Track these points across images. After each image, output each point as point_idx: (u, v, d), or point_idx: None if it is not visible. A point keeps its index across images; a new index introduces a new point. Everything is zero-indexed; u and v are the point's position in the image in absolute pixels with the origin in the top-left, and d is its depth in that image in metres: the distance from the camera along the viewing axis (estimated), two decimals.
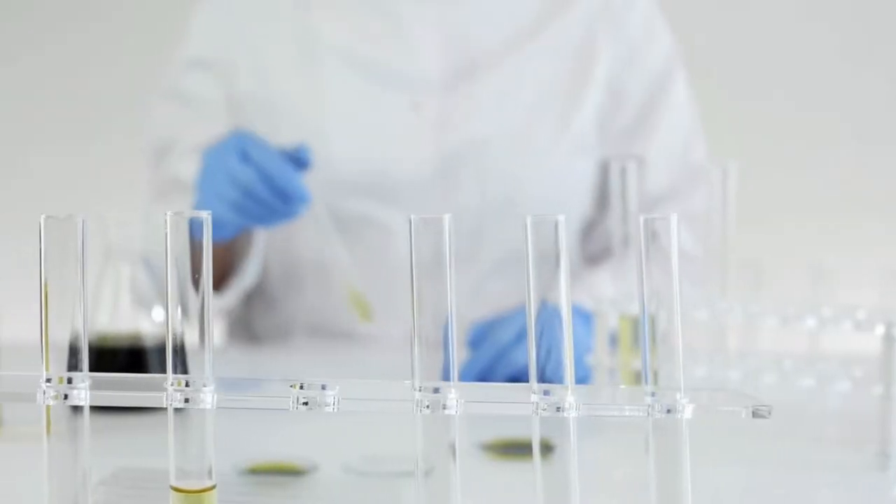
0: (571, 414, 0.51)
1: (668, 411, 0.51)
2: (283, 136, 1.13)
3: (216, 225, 1.07)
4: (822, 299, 0.78)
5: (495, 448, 0.79)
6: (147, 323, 0.87)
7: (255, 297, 1.23)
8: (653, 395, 0.51)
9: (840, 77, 2.30)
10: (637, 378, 0.84)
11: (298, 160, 1.05)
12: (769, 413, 0.52)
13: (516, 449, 0.79)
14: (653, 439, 0.52)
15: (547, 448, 0.79)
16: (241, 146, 1.04)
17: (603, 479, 0.69)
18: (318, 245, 1.14)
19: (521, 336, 0.91)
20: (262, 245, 1.16)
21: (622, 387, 0.76)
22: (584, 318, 0.88)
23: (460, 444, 0.51)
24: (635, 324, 0.84)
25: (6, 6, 2.56)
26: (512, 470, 0.75)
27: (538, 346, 0.93)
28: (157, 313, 0.88)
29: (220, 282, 1.14)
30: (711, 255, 0.80)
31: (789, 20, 2.31)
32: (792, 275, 0.81)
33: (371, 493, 0.70)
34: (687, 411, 0.51)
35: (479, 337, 0.95)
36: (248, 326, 1.25)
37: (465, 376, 0.94)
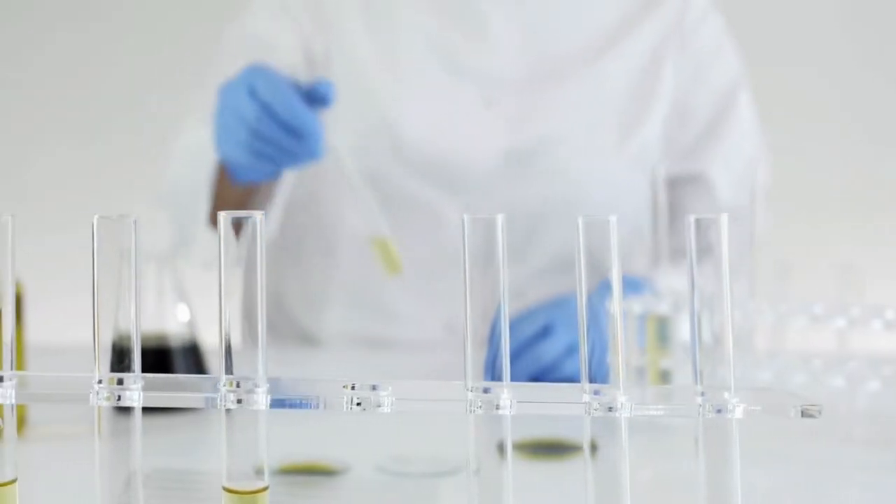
0: (623, 414, 0.50)
1: (719, 411, 0.51)
2: (359, 114, 1.13)
3: (236, 167, 1.04)
4: (850, 298, 0.78)
5: (523, 449, 0.79)
6: (172, 323, 0.87)
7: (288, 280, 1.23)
8: (702, 394, 0.51)
9: (867, 75, 2.31)
10: (663, 377, 0.85)
11: (315, 96, 0.99)
12: (819, 413, 0.52)
13: (544, 449, 0.79)
14: (702, 439, 0.52)
15: (575, 449, 0.80)
16: (250, 81, 0.98)
17: (631, 480, 0.69)
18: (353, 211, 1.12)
19: (545, 332, 0.91)
20: (284, 196, 1.13)
21: (667, 386, 0.76)
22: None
23: (509, 444, 0.51)
24: (662, 323, 0.84)
25: (6, 6, 2.55)
26: (541, 470, 0.75)
27: (573, 345, 0.93)
28: (182, 313, 0.88)
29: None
30: (740, 255, 0.80)
31: (813, 16, 2.31)
32: (819, 274, 0.81)
33: (408, 494, 0.70)
34: (737, 412, 0.51)
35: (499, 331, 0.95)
36: (273, 326, 1.25)
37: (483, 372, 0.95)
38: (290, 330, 1.25)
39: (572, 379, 0.91)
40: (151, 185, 2.47)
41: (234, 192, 1.11)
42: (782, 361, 0.79)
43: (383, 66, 1.19)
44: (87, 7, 2.55)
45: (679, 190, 1.19)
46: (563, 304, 0.94)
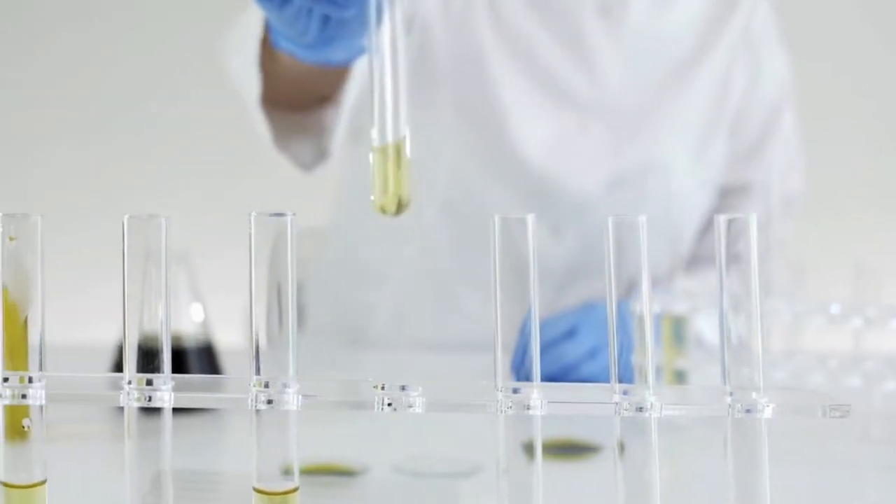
0: (654, 414, 0.50)
1: (748, 411, 0.51)
2: (464, 133, 1.11)
3: (271, 26, 0.81)
4: (866, 298, 0.78)
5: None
6: (186, 323, 0.87)
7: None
8: (731, 394, 0.51)
9: (884, 73, 2.31)
10: (679, 377, 0.85)
11: None
12: (848, 412, 0.52)
13: (558, 450, 0.79)
14: (730, 440, 0.52)
15: (591, 449, 0.80)
16: None
17: (651, 479, 0.69)
18: None
19: (569, 334, 0.91)
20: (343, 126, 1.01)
21: (687, 386, 0.76)
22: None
23: (539, 444, 0.51)
24: (678, 323, 0.84)
25: (6, 6, 2.54)
26: (557, 471, 0.75)
27: (595, 348, 0.93)
28: (197, 313, 0.87)
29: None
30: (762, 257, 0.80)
31: (831, 14, 2.31)
32: (836, 274, 0.81)
33: (427, 495, 0.70)
34: (767, 411, 0.51)
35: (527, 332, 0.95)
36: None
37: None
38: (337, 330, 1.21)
39: (591, 380, 0.92)
40: (151, 186, 2.47)
41: (282, 71, 0.93)
42: (799, 361, 0.79)
43: (502, 81, 1.15)
44: (87, 7, 2.55)
45: (730, 199, 1.18)
46: (589, 308, 0.95)
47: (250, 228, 0.48)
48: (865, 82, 2.32)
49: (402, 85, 0.64)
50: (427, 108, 1.10)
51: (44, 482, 0.49)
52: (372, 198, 0.62)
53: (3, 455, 0.49)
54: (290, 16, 0.71)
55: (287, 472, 0.50)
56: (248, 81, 0.95)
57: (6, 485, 0.49)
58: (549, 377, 0.91)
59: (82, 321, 1.33)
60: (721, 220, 0.51)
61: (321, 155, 1.04)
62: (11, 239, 0.47)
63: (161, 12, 2.54)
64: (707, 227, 1.19)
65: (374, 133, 0.63)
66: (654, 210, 1.14)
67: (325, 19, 0.71)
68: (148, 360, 0.51)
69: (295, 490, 0.50)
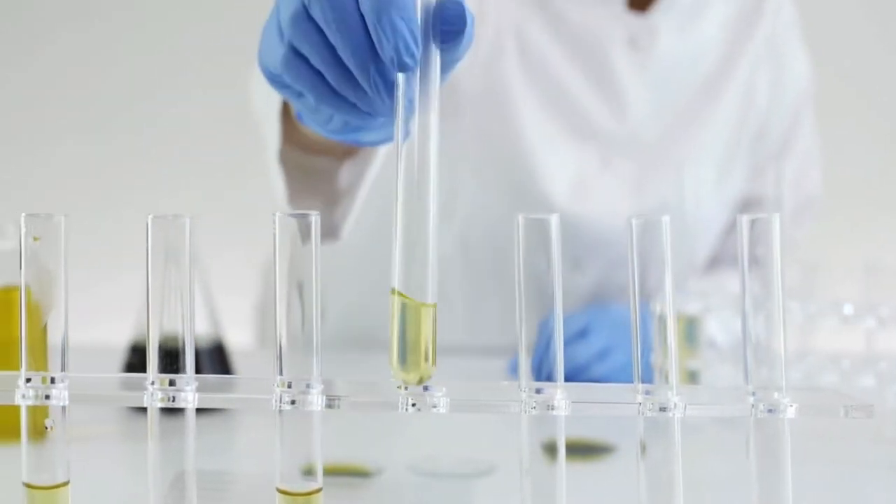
0: (677, 414, 0.50)
1: (770, 411, 0.51)
2: (486, 165, 1.09)
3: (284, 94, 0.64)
4: (879, 299, 0.78)
5: (549, 449, 0.79)
6: (198, 323, 0.86)
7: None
8: (754, 394, 0.51)
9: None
10: (691, 377, 0.85)
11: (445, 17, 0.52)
12: (871, 413, 0.52)
13: (571, 450, 0.79)
14: (753, 439, 0.52)
15: (604, 449, 0.80)
16: None
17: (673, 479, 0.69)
18: None
19: (581, 334, 0.91)
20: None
21: (713, 386, 0.76)
22: (651, 317, 0.88)
23: (562, 444, 0.51)
24: (690, 323, 0.84)
25: (7, 6, 2.54)
26: (573, 470, 0.75)
27: (605, 349, 0.93)
28: (208, 313, 0.87)
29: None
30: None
31: (843, 15, 2.31)
32: (848, 274, 0.81)
33: (442, 495, 0.70)
34: (790, 411, 0.51)
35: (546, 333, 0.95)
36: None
37: (514, 370, 0.95)
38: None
39: (602, 381, 0.91)
40: (151, 186, 2.47)
41: (301, 135, 0.83)
42: (812, 362, 0.79)
43: (526, 114, 1.13)
44: (87, 7, 2.55)
45: (752, 208, 1.18)
46: (601, 309, 0.95)
47: (274, 228, 0.48)
48: (878, 83, 2.32)
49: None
50: (448, 139, 1.08)
51: (66, 483, 0.49)
52: (391, 366, 0.50)
53: (25, 456, 0.48)
54: (308, 107, 0.60)
55: (308, 472, 0.50)
56: (269, 129, 0.87)
57: (29, 486, 0.48)
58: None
59: (83, 322, 1.33)
60: (744, 220, 0.51)
61: (331, 231, 0.91)
62: (35, 239, 0.47)
63: (161, 12, 2.54)
64: (723, 230, 1.19)
65: (400, 277, 0.50)
66: (674, 225, 1.13)
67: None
68: (168, 360, 0.51)
69: (318, 491, 0.49)
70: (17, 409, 0.61)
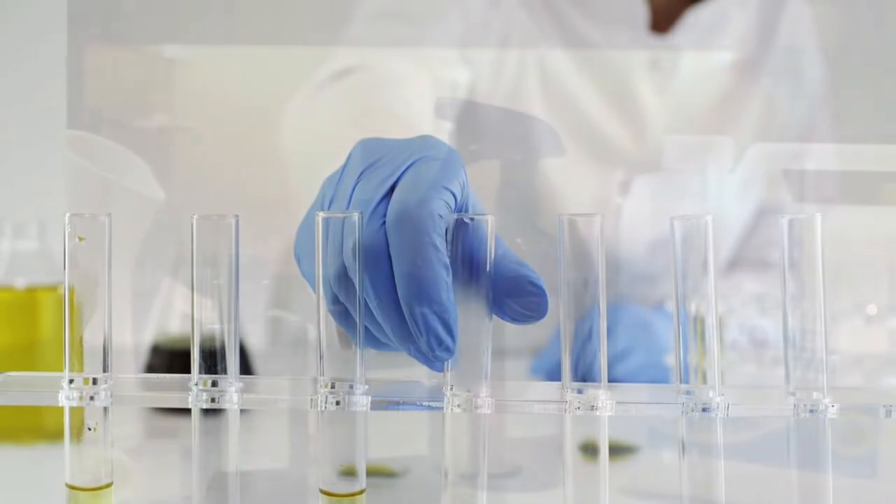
0: (718, 414, 0.50)
1: (812, 411, 0.51)
2: (503, 187, 1.09)
3: None
4: None
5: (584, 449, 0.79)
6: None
7: None
8: (794, 394, 0.52)
9: None
10: (703, 378, 0.84)
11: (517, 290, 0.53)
12: None
13: (592, 450, 0.79)
14: (794, 440, 0.52)
15: (628, 450, 0.80)
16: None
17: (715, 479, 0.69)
18: None
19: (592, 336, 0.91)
20: None
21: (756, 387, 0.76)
22: (669, 317, 0.89)
23: (605, 445, 0.51)
24: (703, 324, 0.84)
25: (7, 6, 2.53)
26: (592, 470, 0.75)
27: (618, 352, 0.93)
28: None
29: None
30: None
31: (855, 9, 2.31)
32: (872, 274, 0.81)
33: (469, 496, 0.69)
34: (831, 411, 0.51)
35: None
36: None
37: (536, 371, 0.95)
38: None
39: (621, 381, 0.91)
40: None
41: None
42: (835, 362, 0.79)
43: (545, 137, 1.13)
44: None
45: (768, 214, 1.18)
46: (620, 309, 0.95)
47: (317, 229, 0.48)
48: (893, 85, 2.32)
49: None
50: (469, 164, 1.07)
51: (110, 485, 0.49)
52: None
53: (68, 457, 0.48)
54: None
55: (349, 472, 0.50)
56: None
57: (72, 487, 0.48)
58: None
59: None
60: (784, 221, 0.51)
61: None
62: (81, 239, 0.47)
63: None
64: (741, 234, 1.19)
65: None
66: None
67: None
68: (205, 361, 0.51)
69: (362, 492, 0.49)
70: (34, 409, 0.61)
